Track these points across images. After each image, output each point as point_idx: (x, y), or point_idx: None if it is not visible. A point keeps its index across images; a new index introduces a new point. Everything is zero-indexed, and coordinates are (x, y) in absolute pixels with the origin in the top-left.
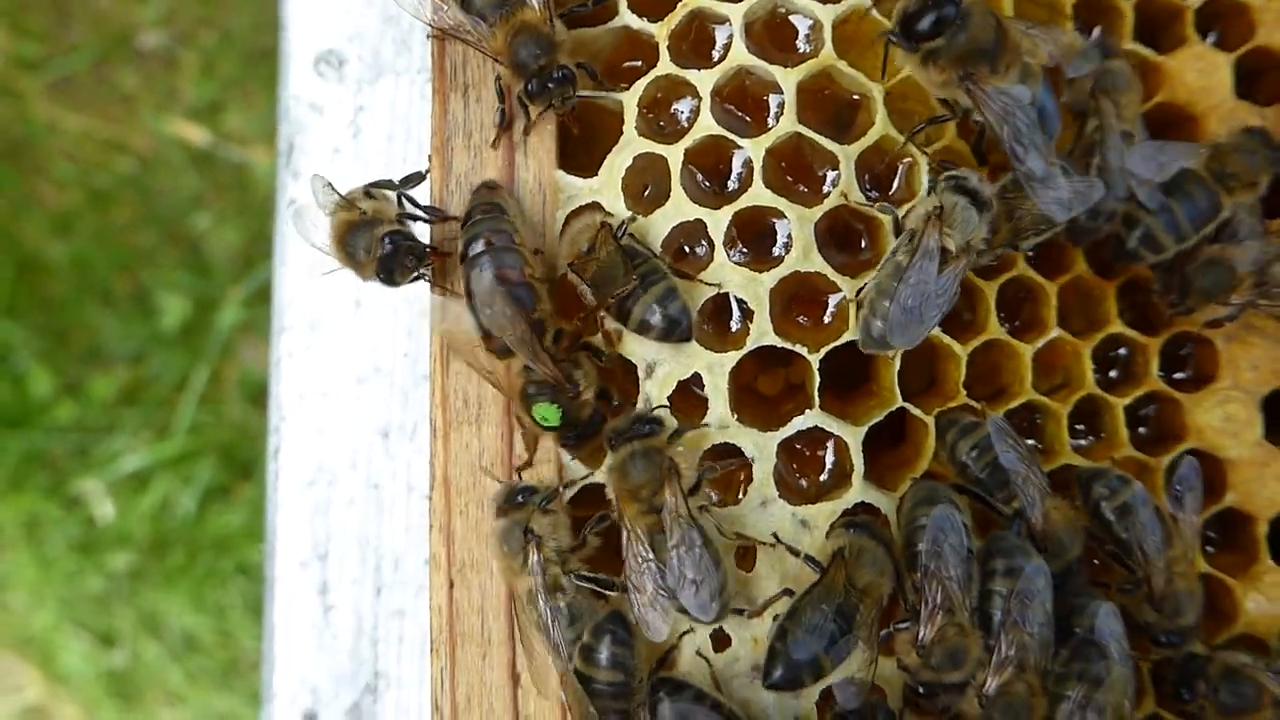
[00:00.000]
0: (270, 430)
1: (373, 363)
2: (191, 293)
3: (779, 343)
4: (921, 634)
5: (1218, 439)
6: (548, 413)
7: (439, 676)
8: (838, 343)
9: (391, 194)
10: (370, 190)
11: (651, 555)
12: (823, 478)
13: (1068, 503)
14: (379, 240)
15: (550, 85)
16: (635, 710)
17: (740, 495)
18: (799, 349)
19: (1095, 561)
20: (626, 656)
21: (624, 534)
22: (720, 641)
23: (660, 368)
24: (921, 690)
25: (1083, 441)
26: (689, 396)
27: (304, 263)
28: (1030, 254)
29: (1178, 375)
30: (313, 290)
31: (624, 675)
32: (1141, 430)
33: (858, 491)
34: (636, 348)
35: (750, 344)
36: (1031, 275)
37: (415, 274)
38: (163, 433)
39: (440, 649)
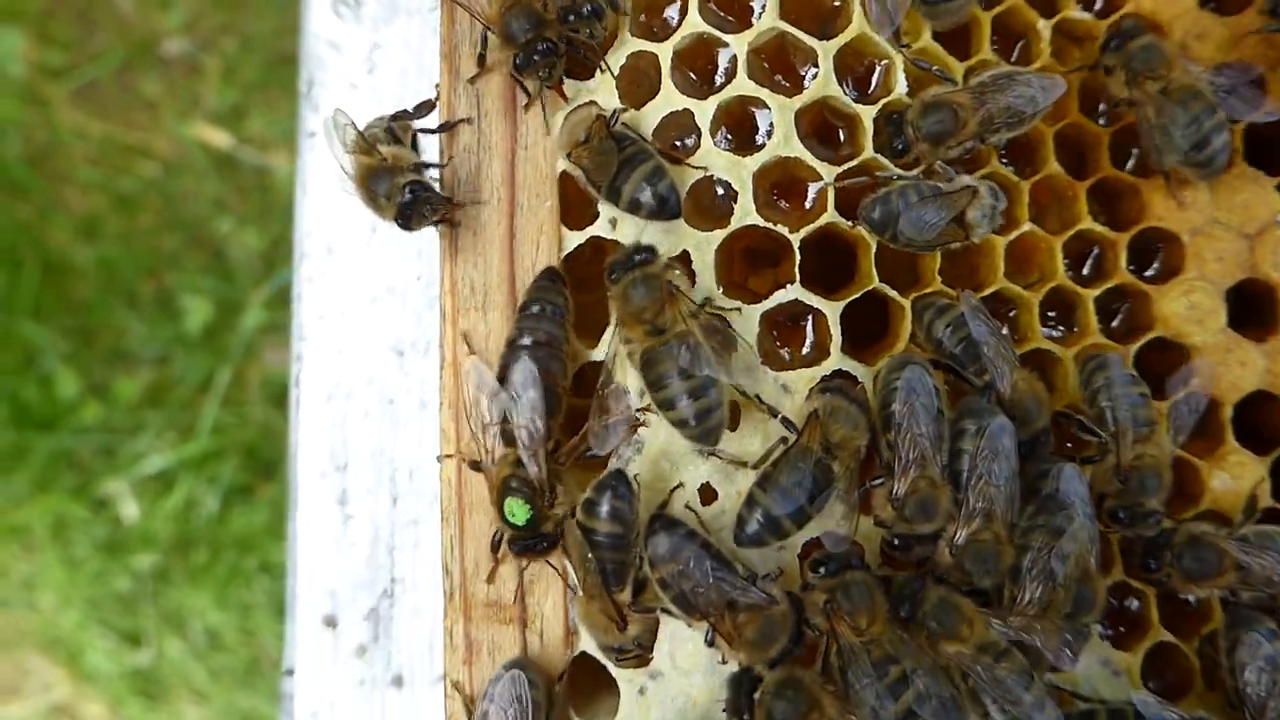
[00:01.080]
0: (292, 355)
1: (386, 284)
2: (214, 295)
3: (761, 221)
4: (895, 488)
5: (1183, 326)
6: (518, 509)
7: (449, 543)
8: (816, 224)
9: (407, 139)
10: (392, 128)
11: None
12: (804, 350)
13: (1034, 374)
14: (400, 188)
15: (536, 58)
16: (631, 560)
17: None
18: (780, 229)
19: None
20: (625, 511)
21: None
22: (707, 495)
23: None
24: (896, 543)
25: (1054, 332)
26: None
27: (323, 192)
28: (1003, 152)
29: (1147, 273)
30: (330, 218)
31: (622, 528)
32: (1112, 324)
33: (835, 360)
34: (630, 231)
35: (735, 223)
36: (1005, 173)
37: (430, 221)
38: (187, 433)
39: (450, 518)
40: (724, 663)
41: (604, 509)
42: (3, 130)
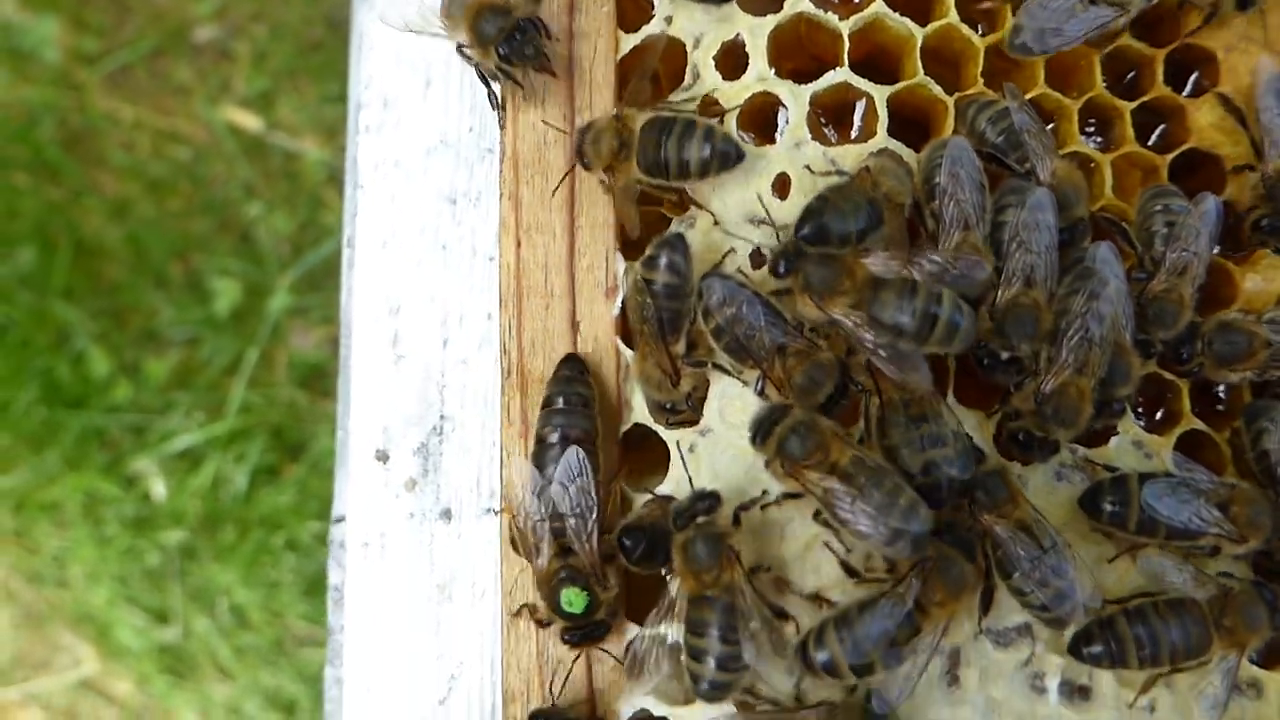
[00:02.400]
0: (346, 203)
1: (440, 137)
2: (243, 278)
3: (812, 9)
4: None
5: (1216, 136)
6: (575, 598)
7: (507, 326)
8: (866, 13)
9: None
10: None
11: None
12: (852, 133)
13: (1073, 164)
14: (516, 22)
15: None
16: (686, 311)
17: (777, 135)
18: (831, 17)
19: None
20: (682, 265)
21: None
22: (757, 260)
23: (706, 37)
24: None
25: (1092, 143)
26: (731, 58)
27: (381, 45)
28: None
29: (1184, 92)
30: (387, 72)
31: (679, 279)
32: (1148, 143)
33: (882, 140)
34: (686, 25)
35: (788, 7)
36: None
37: (528, 61)
38: (215, 413)
39: (508, 303)
40: None
41: (662, 261)
42: (37, 115)
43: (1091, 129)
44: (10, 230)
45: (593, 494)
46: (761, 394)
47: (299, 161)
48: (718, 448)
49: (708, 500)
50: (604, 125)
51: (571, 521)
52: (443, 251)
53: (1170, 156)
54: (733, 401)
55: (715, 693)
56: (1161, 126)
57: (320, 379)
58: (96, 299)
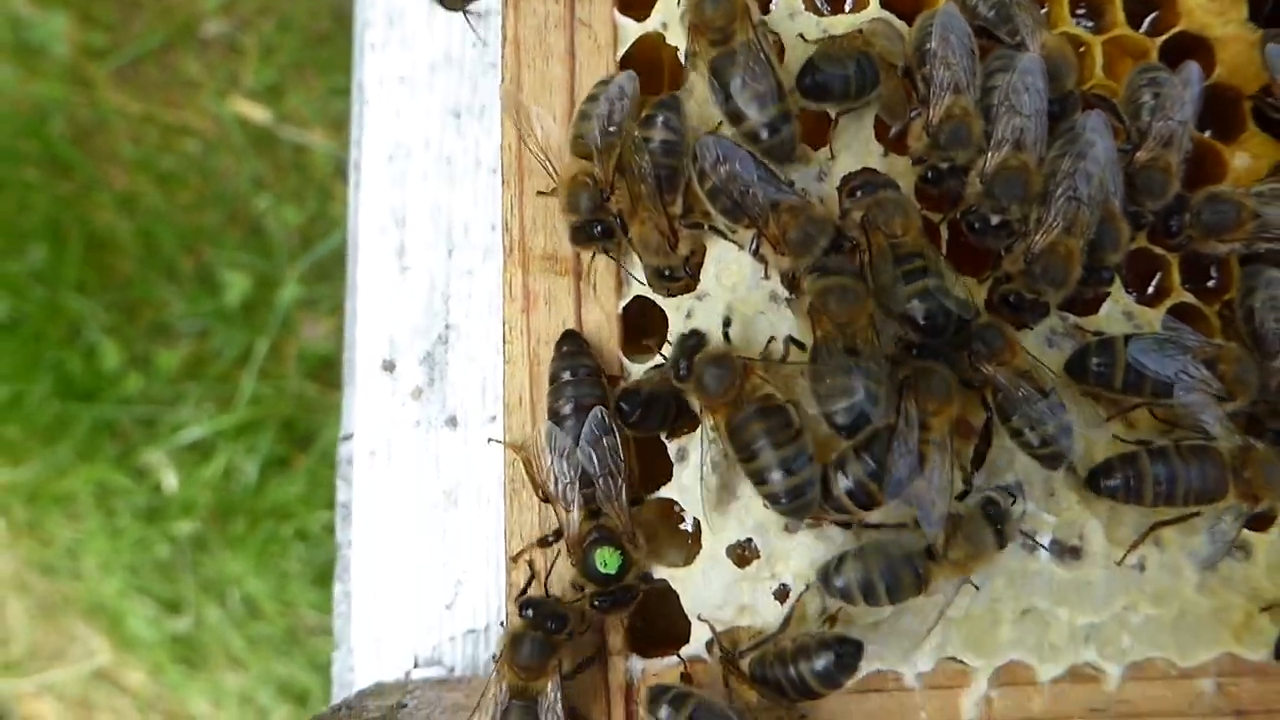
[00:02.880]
0: (353, 117)
1: (445, 52)
2: (253, 270)
3: None
4: (930, 115)
5: (1205, 18)
6: (609, 558)
7: (509, 204)
8: None
9: None
10: None
11: None
12: (846, 6)
13: (1063, 37)
14: None
15: None
16: (682, 168)
17: (771, 7)
18: None
19: None
20: (677, 124)
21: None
22: None
23: None
24: (930, 176)
25: (1084, 25)
26: None
27: None
28: None
29: None
30: None
31: (675, 136)
32: (1140, 29)
33: (874, 10)
34: None
35: None
36: None
37: None
38: (225, 405)
39: (510, 181)
40: (766, 278)
41: (659, 119)
42: (47, 110)
43: (1082, 13)
44: (22, 225)
45: (619, 452)
46: (756, 253)
47: (308, 154)
48: (714, 308)
49: (693, 338)
50: None
51: (601, 482)
52: (447, 165)
53: (1161, 40)
54: (728, 266)
55: (796, 503)
56: (1153, 14)
57: (329, 370)
58: (107, 292)
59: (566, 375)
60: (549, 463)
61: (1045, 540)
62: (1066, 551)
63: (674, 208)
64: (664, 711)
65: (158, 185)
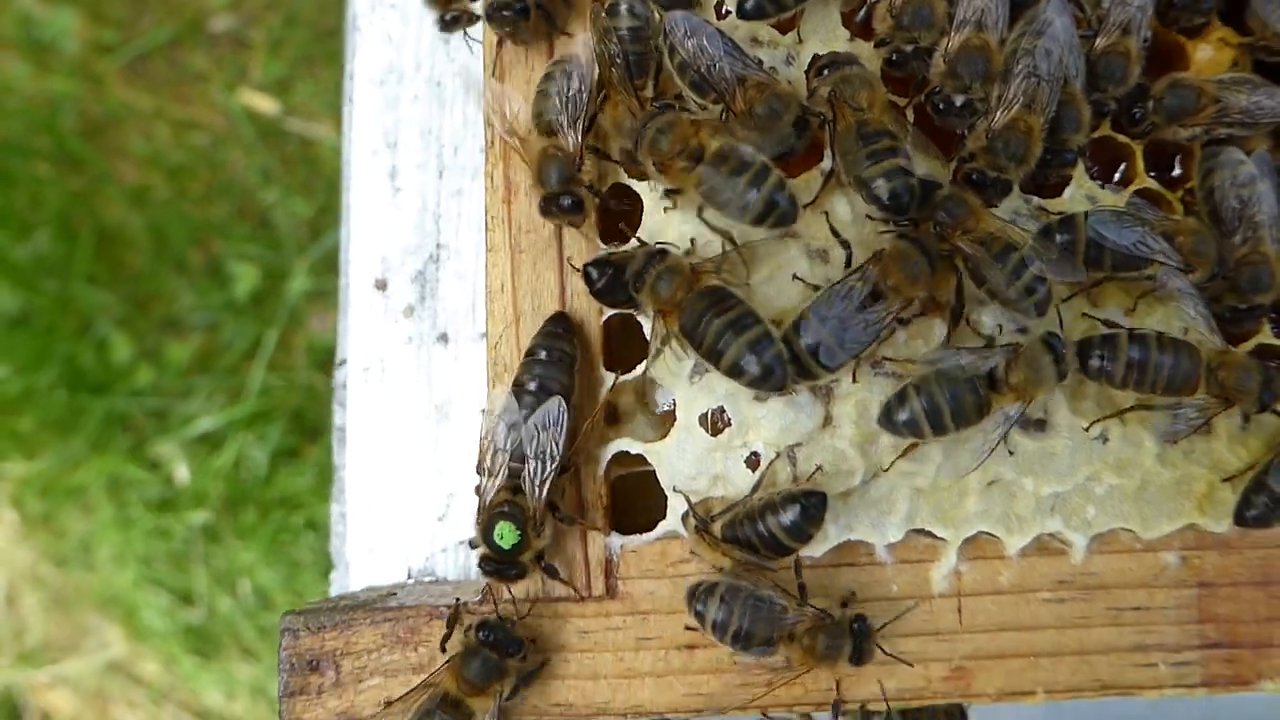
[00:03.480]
0: (346, 44)
1: None
2: (262, 263)
3: None
4: None
5: None
6: (507, 533)
7: (491, 99)
8: None
9: None
10: None
11: None
12: None
13: None
14: None
15: None
16: (650, 51)
17: None
18: None
19: None
20: (641, 9)
21: None
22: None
23: None
24: (894, 59)
25: None
26: None
27: None
28: None
29: None
30: None
31: (641, 22)
32: None
33: None
34: None
35: None
36: None
37: None
38: (235, 396)
39: (492, 78)
40: None
41: (623, 6)
42: (58, 105)
43: None
44: (34, 219)
45: (559, 447)
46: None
47: (316, 147)
48: (694, 200)
49: (660, 255)
50: None
51: (532, 464)
52: (437, 88)
53: None
54: None
55: (769, 382)
56: None
57: None
58: (118, 285)
59: (542, 354)
60: (491, 426)
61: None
62: (1032, 424)
63: (645, 91)
64: (700, 605)
65: (167, 179)
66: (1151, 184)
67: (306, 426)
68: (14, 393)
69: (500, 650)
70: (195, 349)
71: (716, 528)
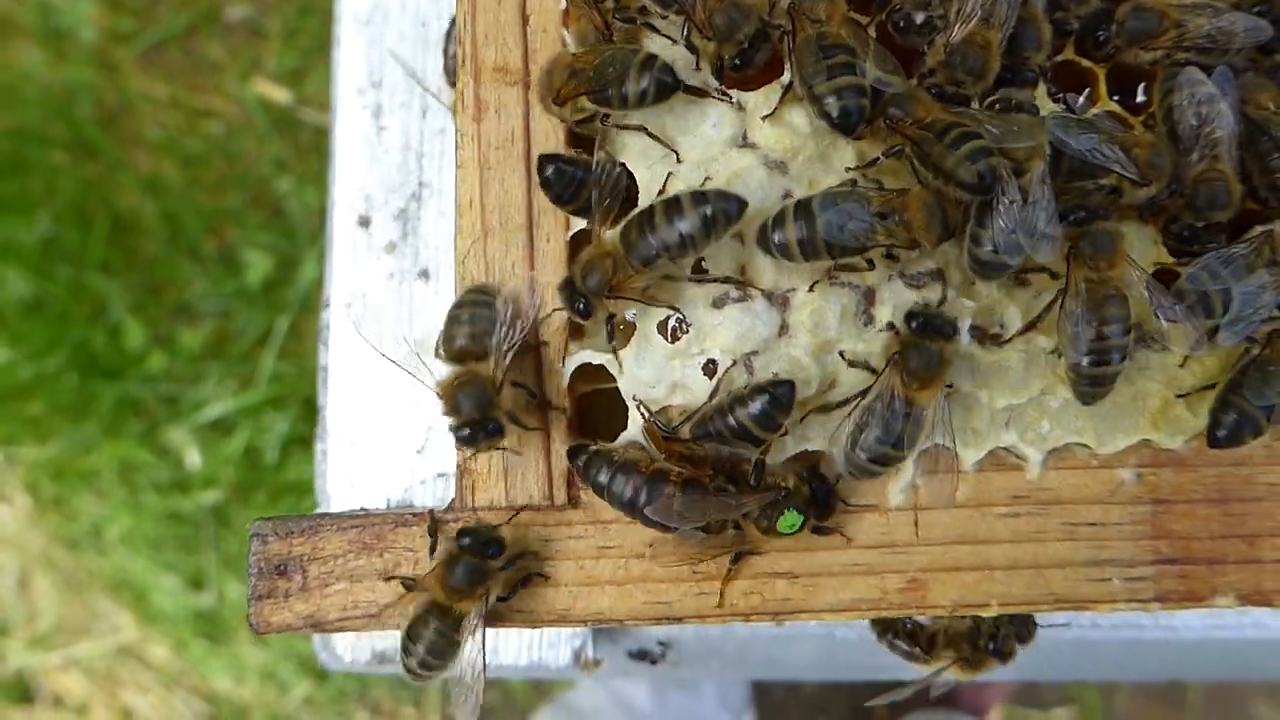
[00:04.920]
0: None
1: None
2: (274, 251)
3: None
4: None
5: None
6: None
7: (463, 19)
8: None
9: None
10: None
11: None
12: None
13: None
14: None
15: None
16: None
17: None
18: None
19: None
20: None
21: None
22: None
23: None
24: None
25: None
26: None
27: None
28: None
29: None
30: None
31: None
32: None
33: None
34: None
35: None
36: None
37: None
38: (247, 383)
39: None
40: (698, 69)
41: None
42: (75, 93)
43: None
44: (49, 206)
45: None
46: (687, 42)
47: (328, 137)
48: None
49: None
50: None
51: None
52: (422, 28)
53: None
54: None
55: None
56: None
57: None
58: (132, 272)
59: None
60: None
61: (965, 324)
62: (988, 338)
63: (605, 2)
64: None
65: (182, 167)
66: (1115, 107)
67: (317, 413)
68: (27, 377)
69: (479, 553)
70: (207, 335)
71: (686, 429)
